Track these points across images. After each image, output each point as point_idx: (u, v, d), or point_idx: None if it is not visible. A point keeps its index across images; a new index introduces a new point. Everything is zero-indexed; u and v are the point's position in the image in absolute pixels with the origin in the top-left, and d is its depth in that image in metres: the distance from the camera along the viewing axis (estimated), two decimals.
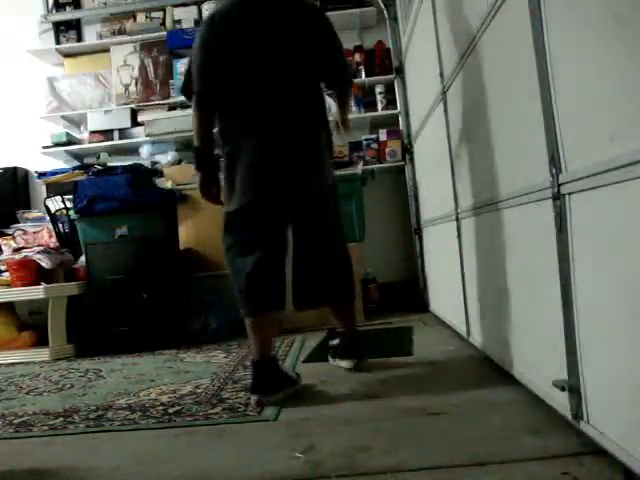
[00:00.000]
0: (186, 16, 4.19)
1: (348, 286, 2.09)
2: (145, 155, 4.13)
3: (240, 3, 1.92)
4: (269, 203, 1.89)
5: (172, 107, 4.09)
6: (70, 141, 4.19)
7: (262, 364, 1.82)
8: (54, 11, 4.37)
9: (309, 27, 1.99)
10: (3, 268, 3.16)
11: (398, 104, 3.88)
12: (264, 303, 1.88)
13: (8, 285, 3.09)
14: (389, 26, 3.89)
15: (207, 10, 4.12)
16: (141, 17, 4.30)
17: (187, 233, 3.51)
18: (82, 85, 4.22)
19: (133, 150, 4.19)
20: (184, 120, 4.01)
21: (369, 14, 4.01)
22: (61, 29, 4.36)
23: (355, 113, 3.92)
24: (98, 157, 4.17)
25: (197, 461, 1.33)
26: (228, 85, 1.90)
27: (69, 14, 4.36)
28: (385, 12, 3.89)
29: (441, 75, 2.38)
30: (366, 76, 3.98)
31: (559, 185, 1.17)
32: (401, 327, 3.00)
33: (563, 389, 1.20)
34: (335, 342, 2.23)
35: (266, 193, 1.88)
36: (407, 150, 3.79)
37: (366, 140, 3.92)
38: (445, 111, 2.37)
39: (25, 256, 3.09)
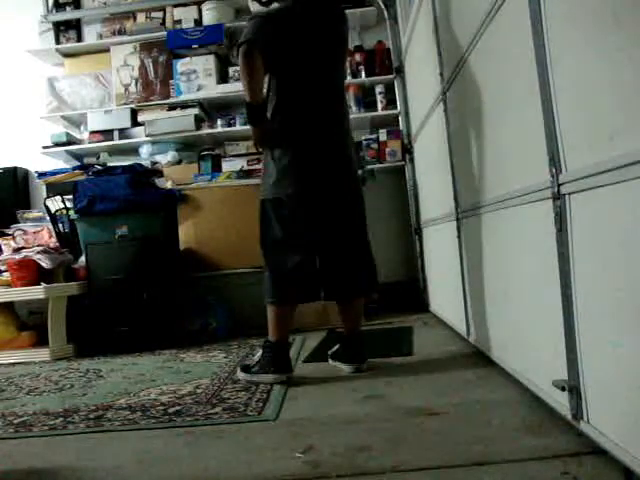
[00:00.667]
0: (186, 16, 4.19)
1: (375, 277, 2.19)
2: (145, 155, 4.13)
3: (301, 5, 2.08)
4: (319, 195, 2.03)
5: (172, 107, 4.09)
6: (70, 141, 4.19)
7: (280, 346, 2.04)
8: (54, 11, 4.37)
9: (344, 35, 2.19)
10: (3, 268, 3.16)
11: (398, 104, 3.88)
12: (298, 297, 2.07)
13: (8, 285, 3.09)
14: (389, 26, 3.89)
15: (207, 10, 4.12)
16: (141, 17, 4.30)
17: (187, 233, 3.51)
18: (82, 85, 4.22)
19: (133, 150, 4.19)
20: (184, 120, 4.03)
21: (369, 14, 4.01)
22: (61, 29, 4.36)
23: (355, 113, 3.93)
24: (98, 157, 4.18)
25: (197, 461, 1.33)
26: (279, 63, 2.02)
27: (69, 14, 4.36)
28: (385, 12, 3.90)
29: (441, 75, 2.38)
30: (366, 76, 3.98)
31: (559, 185, 1.17)
32: (401, 327, 3.00)
33: (563, 389, 1.20)
34: (335, 347, 2.24)
35: (317, 185, 2.03)
36: (407, 150, 3.79)
37: (366, 140, 3.92)
38: (445, 111, 2.37)
39: (25, 256, 3.09)
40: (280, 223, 2.03)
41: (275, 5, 2.14)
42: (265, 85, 2.04)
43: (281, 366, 2.02)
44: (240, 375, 2.10)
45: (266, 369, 2.02)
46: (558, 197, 1.18)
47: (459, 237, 2.28)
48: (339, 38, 2.16)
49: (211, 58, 4.07)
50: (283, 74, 2.06)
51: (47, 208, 3.59)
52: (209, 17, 4.12)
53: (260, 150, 2.10)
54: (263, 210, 2.07)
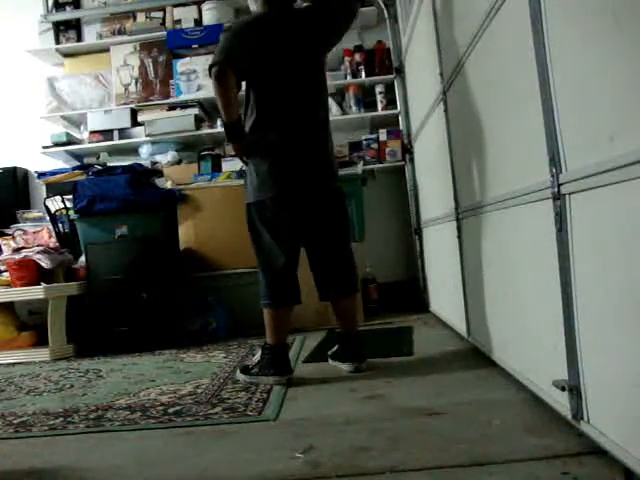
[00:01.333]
0: (186, 16, 4.18)
1: (355, 277, 2.20)
2: (145, 155, 4.13)
3: (267, 15, 2.10)
4: (299, 198, 2.05)
5: (172, 107, 4.09)
6: (70, 141, 4.18)
7: (278, 349, 2.06)
8: (54, 11, 4.37)
9: (317, 35, 2.15)
10: (3, 268, 3.15)
11: (398, 104, 3.87)
12: (292, 298, 2.10)
13: (8, 285, 3.09)
14: (389, 26, 3.89)
15: (207, 10, 4.12)
16: (141, 17, 4.30)
17: (187, 233, 3.51)
18: (82, 85, 4.22)
19: (133, 150, 4.19)
20: (184, 120, 4.02)
21: (369, 14, 4.00)
22: (61, 29, 4.36)
23: (355, 113, 3.93)
24: (98, 157, 4.18)
25: (197, 461, 1.33)
26: (254, 75, 2.03)
27: (69, 14, 4.35)
28: (385, 12, 3.89)
29: (441, 75, 2.38)
30: (366, 76, 3.97)
31: (559, 185, 1.17)
32: (401, 327, 3.00)
33: (563, 389, 1.20)
34: (334, 348, 2.24)
35: (298, 188, 2.05)
36: (407, 150, 3.79)
37: (366, 140, 3.92)
38: (445, 111, 2.37)
39: (25, 256, 3.09)
40: (265, 225, 2.06)
41: (253, 10, 2.16)
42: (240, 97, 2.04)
43: (280, 368, 2.03)
44: (240, 376, 2.10)
45: (266, 371, 2.03)
46: (558, 197, 1.18)
47: (459, 237, 2.28)
48: (313, 40, 2.12)
49: (211, 58, 4.06)
50: (260, 85, 2.06)
51: (47, 208, 3.59)
52: (209, 17, 4.12)
53: (246, 161, 2.12)
54: (249, 214, 2.11)
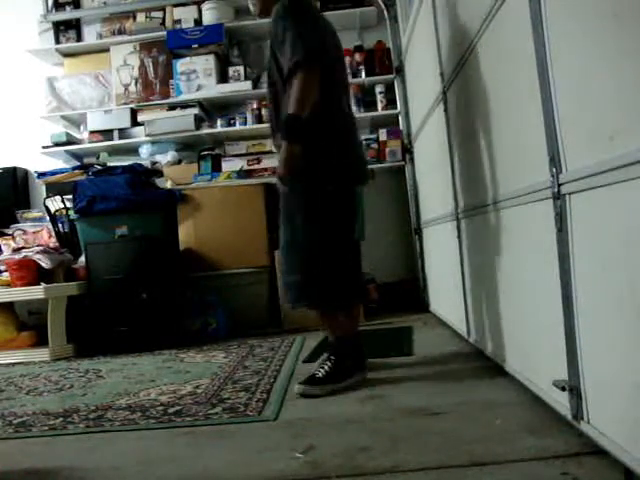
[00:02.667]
0: (186, 16, 4.18)
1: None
2: (145, 155, 4.13)
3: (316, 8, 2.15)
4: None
5: (172, 107, 4.08)
6: (70, 141, 4.18)
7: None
8: (54, 11, 4.37)
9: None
10: (3, 268, 3.15)
11: (398, 104, 3.87)
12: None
13: (8, 285, 3.09)
14: (389, 26, 3.89)
15: (207, 10, 4.11)
16: (141, 17, 4.30)
17: (187, 233, 3.51)
18: (82, 85, 4.22)
19: (133, 150, 4.19)
20: (184, 120, 4.02)
21: (369, 14, 4.00)
22: (61, 29, 4.36)
23: (355, 113, 3.91)
24: (98, 157, 4.17)
25: (197, 461, 1.33)
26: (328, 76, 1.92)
27: (69, 14, 4.35)
28: (385, 12, 3.89)
29: (441, 75, 2.38)
30: (366, 76, 3.97)
31: (559, 185, 1.17)
32: (401, 327, 3.00)
33: (563, 389, 1.20)
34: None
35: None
36: (407, 150, 3.79)
37: (366, 140, 3.91)
38: (445, 111, 2.37)
39: (25, 256, 3.08)
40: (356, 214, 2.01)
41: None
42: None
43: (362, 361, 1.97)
44: (313, 390, 1.82)
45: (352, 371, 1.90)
46: (558, 197, 1.18)
47: (459, 237, 2.28)
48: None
49: (211, 58, 4.07)
50: (329, 78, 1.90)
51: (47, 208, 3.59)
52: (209, 17, 4.12)
53: (283, 179, 1.87)
54: (346, 198, 1.96)
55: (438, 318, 3.05)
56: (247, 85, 4.00)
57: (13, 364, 2.95)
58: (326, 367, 1.89)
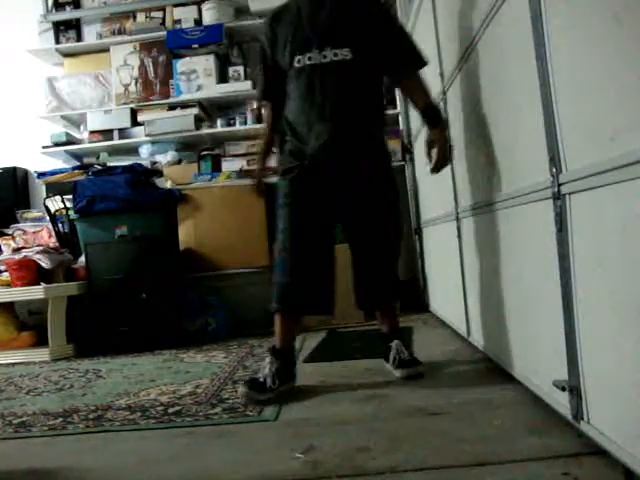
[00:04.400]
0: (186, 16, 4.19)
1: None
2: (145, 155, 4.13)
3: None
4: None
5: (172, 107, 4.09)
6: (70, 141, 4.19)
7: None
8: (54, 11, 4.37)
9: None
10: (3, 268, 3.16)
11: (398, 104, 3.87)
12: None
13: (8, 285, 3.09)
14: None
15: (207, 10, 4.12)
16: (141, 17, 4.30)
17: (187, 233, 3.51)
18: (82, 85, 4.22)
19: (133, 150, 4.19)
20: (184, 120, 4.02)
21: None
22: (61, 29, 4.36)
23: None
24: (98, 157, 4.18)
25: (197, 461, 1.33)
26: None
27: (69, 14, 4.36)
28: None
29: (441, 75, 2.38)
30: None
31: (559, 185, 1.17)
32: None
33: (563, 389, 1.20)
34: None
35: None
36: (407, 150, 3.79)
37: None
38: (445, 111, 2.37)
39: (25, 256, 3.09)
40: None
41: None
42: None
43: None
44: None
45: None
46: (558, 197, 1.18)
47: (459, 237, 2.28)
48: None
49: (211, 58, 4.07)
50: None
51: (47, 208, 3.59)
52: (209, 17, 4.12)
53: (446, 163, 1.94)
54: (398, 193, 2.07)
55: (438, 318, 3.05)
56: (247, 85, 4.00)
57: (13, 364, 2.95)
58: (407, 351, 2.01)
